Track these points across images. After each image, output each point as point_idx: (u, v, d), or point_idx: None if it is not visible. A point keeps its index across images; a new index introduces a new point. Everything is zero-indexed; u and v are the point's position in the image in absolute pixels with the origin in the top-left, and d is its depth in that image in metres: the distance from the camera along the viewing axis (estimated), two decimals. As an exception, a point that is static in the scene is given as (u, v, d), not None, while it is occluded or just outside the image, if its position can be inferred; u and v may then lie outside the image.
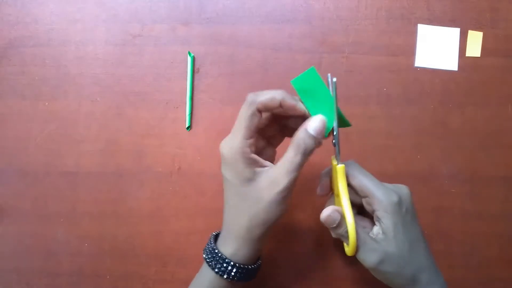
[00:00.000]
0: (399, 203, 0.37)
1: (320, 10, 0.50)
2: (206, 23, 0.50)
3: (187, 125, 0.49)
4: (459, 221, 0.48)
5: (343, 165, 0.38)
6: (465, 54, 0.50)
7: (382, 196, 0.37)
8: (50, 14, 0.50)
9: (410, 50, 0.50)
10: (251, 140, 0.36)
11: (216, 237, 0.39)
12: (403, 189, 0.39)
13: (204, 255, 0.38)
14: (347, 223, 0.37)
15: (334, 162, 0.38)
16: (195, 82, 0.50)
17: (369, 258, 0.36)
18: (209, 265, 0.37)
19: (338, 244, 0.47)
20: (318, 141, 0.35)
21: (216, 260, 0.37)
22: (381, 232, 0.37)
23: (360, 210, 0.41)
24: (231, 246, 0.37)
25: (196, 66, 0.50)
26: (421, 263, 0.38)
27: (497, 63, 0.49)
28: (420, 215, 0.48)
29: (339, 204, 0.38)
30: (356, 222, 0.36)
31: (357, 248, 0.37)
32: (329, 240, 0.47)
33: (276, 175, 0.35)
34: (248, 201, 0.36)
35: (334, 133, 0.37)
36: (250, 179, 0.35)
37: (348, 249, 0.37)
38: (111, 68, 0.50)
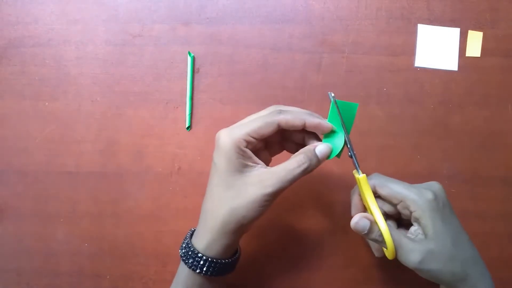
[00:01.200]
0: (435, 199, 0.37)
1: (320, 10, 0.50)
2: (206, 23, 0.50)
3: (187, 125, 0.49)
4: (459, 221, 0.48)
5: (364, 174, 0.38)
6: (465, 54, 0.50)
7: (416, 196, 0.37)
8: (50, 14, 0.50)
9: (410, 50, 0.50)
10: (253, 140, 0.36)
11: (193, 233, 0.39)
12: (435, 185, 0.39)
13: (179, 251, 0.38)
14: (380, 228, 0.36)
15: (356, 175, 0.38)
16: (195, 82, 0.50)
17: (410, 258, 0.36)
18: (183, 260, 0.37)
19: (338, 245, 0.47)
20: (319, 163, 0.37)
21: (189, 255, 0.37)
22: (420, 232, 0.37)
23: (396, 219, 0.41)
24: (205, 240, 0.37)
25: (196, 66, 0.50)
26: (468, 257, 0.37)
27: (497, 63, 0.49)
28: (420, 215, 0.48)
29: (370, 213, 0.38)
30: (389, 226, 0.36)
31: (396, 251, 0.36)
32: (329, 241, 0.48)
33: (268, 176, 0.35)
34: (232, 192, 0.36)
35: (348, 146, 0.38)
36: (240, 171, 0.36)
37: (388, 253, 0.37)
38: (111, 68, 0.50)
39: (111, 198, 0.48)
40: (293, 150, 0.39)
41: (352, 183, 0.40)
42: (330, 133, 0.38)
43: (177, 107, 0.49)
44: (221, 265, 0.37)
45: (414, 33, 0.50)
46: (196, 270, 0.36)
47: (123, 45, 0.50)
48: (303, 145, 0.38)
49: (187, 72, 0.49)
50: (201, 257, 0.36)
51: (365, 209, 0.40)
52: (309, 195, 0.48)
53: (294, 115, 0.36)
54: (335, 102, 0.37)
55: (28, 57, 0.50)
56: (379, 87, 0.49)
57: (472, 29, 0.50)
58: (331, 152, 0.37)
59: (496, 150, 0.49)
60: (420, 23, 0.50)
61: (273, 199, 0.36)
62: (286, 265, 0.47)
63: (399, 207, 0.38)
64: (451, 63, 0.50)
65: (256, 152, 0.37)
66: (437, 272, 0.36)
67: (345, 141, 0.38)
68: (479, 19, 0.50)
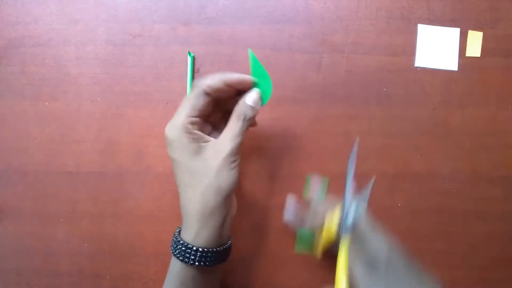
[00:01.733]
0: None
1: (320, 10, 0.50)
2: (206, 23, 0.50)
3: (187, 125, 0.49)
4: (459, 221, 0.48)
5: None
6: (465, 54, 0.50)
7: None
8: (50, 14, 0.50)
9: (410, 50, 0.50)
10: (196, 119, 0.38)
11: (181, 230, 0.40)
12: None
13: (170, 248, 0.39)
14: None
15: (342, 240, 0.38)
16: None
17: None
18: (174, 255, 0.38)
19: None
20: (255, 110, 0.39)
21: (179, 249, 0.37)
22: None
23: None
24: (192, 230, 0.37)
25: (196, 66, 0.50)
26: None
27: (497, 63, 0.49)
28: (420, 215, 0.48)
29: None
30: None
31: None
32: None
33: (221, 143, 0.38)
34: (197, 175, 0.37)
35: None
36: (196, 153, 0.37)
37: None
38: (111, 68, 0.50)
39: (111, 198, 0.48)
40: None
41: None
42: (259, 85, 0.40)
43: (177, 107, 0.49)
44: (213, 254, 0.37)
45: (414, 33, 0.50)
46: (189, 262, 0.37)
47: (123, 45, 0.50)
48: None
49: (187, 72, 0.49)
50: (191, 248, 0.36)
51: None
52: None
53: (213, 77, 0.38)
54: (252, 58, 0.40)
55: (28, 57, 0.50)
56: (379, 87, 0.49)
57: (472, 29, 0.50)
58: (260, 96, 0.40)
59: (496, 150, 0.49)
60: (420, 23, 0.50)
61: (234, 158, 0.38)
62: (285, 265, 0.47)
63: None
64: (451, 63, 0.50)
65: (208, 135, 0.40)
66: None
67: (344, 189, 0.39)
68: (479, 19, 0.50)
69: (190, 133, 0.37)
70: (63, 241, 0.48)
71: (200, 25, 0.50)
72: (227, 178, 0.37)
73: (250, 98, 0.39)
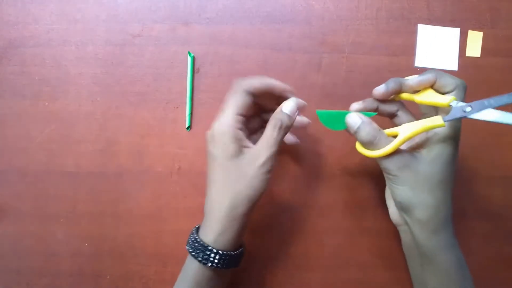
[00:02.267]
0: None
1: (320, 10, 0.50)
2: (206, 23, 0.50)
3: (187, 125, 0.49)
4: (459, 221, 0.48)
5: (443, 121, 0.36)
6: (465, 54, 0.50)
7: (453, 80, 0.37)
8: (50, 14, 0.50)
9: (410, 50, 0.50)
10: (241, 118, 0.38)
11: (198, 229, 0.40)
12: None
13: (187, 247, 0.39)
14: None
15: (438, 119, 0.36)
16: (195, 82, 0.50)
17: (393, 164, 0.36)
18: (192, 255, 0.38)
19: (338, 244, 0.47)
20: (292, 119, 0.39)
21: (198, 249, 0.37)
22: (423, 152, 0.37)
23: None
24: (212, 232, 0.37)
25: (196, 66, 0.50)
26: (450, 209, 0.37)
27: (497, 63, 0.49)
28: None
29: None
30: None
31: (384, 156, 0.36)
32: (329, 241, 0.48)
33: (257, 151, 0.37)
34: (232, 176, 0.37)
35: None
36: (235, 155, 0.37)
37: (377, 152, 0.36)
38: (111, 68, 0.50)
39: (111, 198, 0.48)
40: None
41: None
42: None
43: (177, 107, 0.49)
44: (231, 258, 0.38)
45: (414, 33, 0.50)
46: (207, 263, 0.37)
47: (123, 45, 0.50)
48: None
49: (187, 72, 0.49)
50: (211, 250, 0.37)
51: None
52: (310, 195, 0.48)
53: (255, 78, 0.39)
54: None
55: (28, 57, 0.50)
56: (379, 87, 0.49)
57: (472, 29, 0.50)
58: (298, 105, 0.39)
59: (496, 150, 0.48)
60: (420, 23, 0.50)
61: (269, 167, 0.37)
62: (286, 265, 0.47)
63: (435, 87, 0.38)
64: (451, 63, 0.50)
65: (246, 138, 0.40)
66: (410, 195, 0.36)
67: None
68: (479, 19, 0.50)
69: (234, 132, 0.37)
70: (63, 241, 0.48)
71: (200, 25, 0.50)
72: (258, 187, 0.37)
73: (288, 106, 0.39)
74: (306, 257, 0.47)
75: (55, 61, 0.50)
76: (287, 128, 0.39)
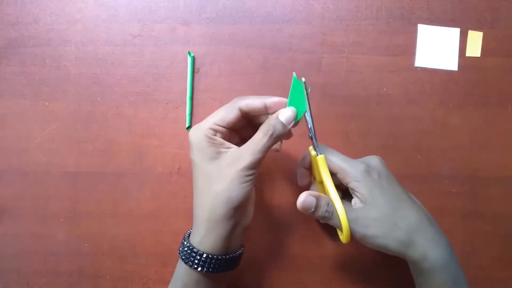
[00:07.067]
0: (367, 170, 0.38)
1: (320, 10, 0.50)
2: (206, 23, 0.50)
3: (187, 125, 0.49)
4: (459, 221, 0.48)
5: (323, 155, 0.39)
6: (465, 54, 0.50)
7: (349, 168, 0.38)
8: (50, 14, 0.50)
9: (410, 50, 0.50)
10: (221, 129, 0.37)
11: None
12: (372, 158, 0.40)
13: (179, 249, 0.38)
14: (337, 212, 0.37)
15: (313, 153, 0.40)
16: (195, 82, 0.50)
17: (355, 229, 0.37)
18: (181, 258, 0.38)
19: (338, 244, 0.47)
20: (286, 128, 0.37)
21: (185, 251, 0.37)
22: (358, 201, 0.38)
23: (344, 193, 0.42)
24: (199, 235, 0.37)
25: (196, 66, 0.50)
26: (412, 223, 0.37)
27: (497, 63, 0.49)
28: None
29: (323, 191, 0.40)
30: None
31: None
32: (329, 241, 0.48)
33: (240, 153, 0.36)
34: (212, 180, 0.37)
35: (309, 126, 0.39)
36: (214, 158, 0.37)
37: (343, 237, 0.38)
38: (111, 68, 0.50)
39: (111, 198, 0.48)
40: None
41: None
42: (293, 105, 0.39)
43: (177, 107, 0.49)
44: (218, 261, 0.36)
45: (414, 33, 0.50)
46: (192, 266, 0.36)
47: (123, 45, 0.50)
48: None
49: (187, 72, 0.49)
50: (196, 252, 0.36)
51: (313, 179, 0.43)
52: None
53: (253, 98, 0.38)
54: (305, 84, 0.38)
55: (28, 57, 0.50)
56: (379, 87, 0.49)
57: (472, 29, 0.50)
58: (295, 115, 0.38)
59: (496, 150, 0.48)
60: (420, 23, 0.50)
61: (251, 173, 0.36)
62: (286, 264, 0.47)
63: (339, 177, 0.39)
64: (451, 63, 0.50)
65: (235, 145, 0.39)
66: (383, 239, 0.37)
67: (307, 121, 0.39)
68: (479, 19, 0.50)
69: (210, 138, 0.37)
70: (63, 241, 0.48)
71: (200, 25, 0.50)
72: (238, 190, 0.36)
73: (284, 114, 0.37)
74: (306, 257, 0.47)
75: (55, 61, 0.50)
76: (279, 137, 0.37)
